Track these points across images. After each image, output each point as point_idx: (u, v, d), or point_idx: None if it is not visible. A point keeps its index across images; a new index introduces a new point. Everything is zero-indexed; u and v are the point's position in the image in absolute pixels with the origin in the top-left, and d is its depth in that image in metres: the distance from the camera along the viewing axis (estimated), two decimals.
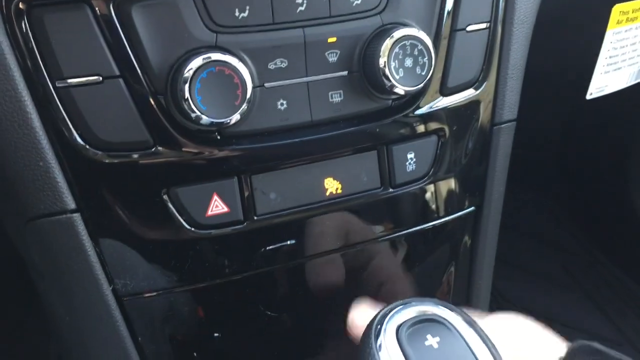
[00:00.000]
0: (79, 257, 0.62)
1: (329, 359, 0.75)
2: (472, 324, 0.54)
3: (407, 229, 0.75)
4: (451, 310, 0.55)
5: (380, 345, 0.52)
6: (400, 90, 0.65)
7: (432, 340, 0.52)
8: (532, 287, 1.70)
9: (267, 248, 0.69)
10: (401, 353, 0.50)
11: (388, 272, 0.75)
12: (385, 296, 0.75)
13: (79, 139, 0.59)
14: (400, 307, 0.55)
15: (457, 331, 0.53)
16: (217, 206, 0.65)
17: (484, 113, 0.76)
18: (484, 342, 0.52)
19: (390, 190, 0.72)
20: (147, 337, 0.67)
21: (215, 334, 0.69)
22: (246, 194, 0.66)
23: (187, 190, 0.63)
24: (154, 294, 0.65)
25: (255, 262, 0.68)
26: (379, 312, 0.55)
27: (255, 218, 0.67)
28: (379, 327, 0.53)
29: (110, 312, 0.64)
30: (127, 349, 0.65)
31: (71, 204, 0.60)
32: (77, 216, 0.61)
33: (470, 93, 0.74)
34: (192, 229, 0.64)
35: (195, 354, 0.70)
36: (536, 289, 1.70)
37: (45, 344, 1.16)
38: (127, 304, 0.65)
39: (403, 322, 0.53)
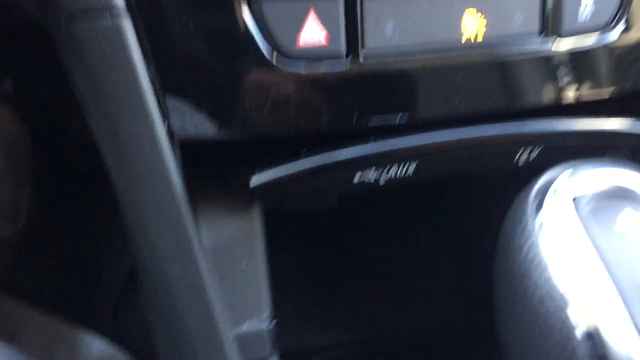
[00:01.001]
0: (126, 76, 0.46)
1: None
2: None
3: (567, 102, 0.55)
4: None
5: (542, 224, 0.34)
6: None
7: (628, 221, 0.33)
8: None
9: (371, 103, 0.51)
10: (587, 236, 0.32)
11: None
12: None
13: None
14: (570, 171, 0.35)
15: None
16: (312, 30, 0.47)
17: None
18: None
19: (554, 38, 0.51)
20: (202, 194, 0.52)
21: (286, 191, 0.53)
22: (353, 18, 0.48)
23: (274, 3, 0.46)
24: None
25: (352, 117, 0.51)
26: (536, 179, 0.36)
27: (362, 54, 0.48)
28: (539, 198, 0.35)
29: (161, 157, 0.48)
30: (178, 205, 0.50)
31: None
32: (125, 20, 0.45)
33: None
34: (277, 60, 0.47)
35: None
36: None
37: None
38: (183, 151, 0.49)
39: (579, 196, 0.34)
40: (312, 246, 0.84)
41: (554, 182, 0.35)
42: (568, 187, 0.35)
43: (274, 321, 0.57)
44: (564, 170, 0.36)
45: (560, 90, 0.54)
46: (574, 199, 0.34)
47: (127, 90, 0.47)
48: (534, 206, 0.34)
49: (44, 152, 1.04)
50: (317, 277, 0.82)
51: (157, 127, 0.48)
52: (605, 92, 0.55)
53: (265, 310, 0.56)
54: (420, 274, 0.84)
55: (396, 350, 0.74)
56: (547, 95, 0.54)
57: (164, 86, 0.47)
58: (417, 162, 0.51)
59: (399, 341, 0.76)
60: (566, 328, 0.30)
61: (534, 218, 0.34)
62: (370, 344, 0.75)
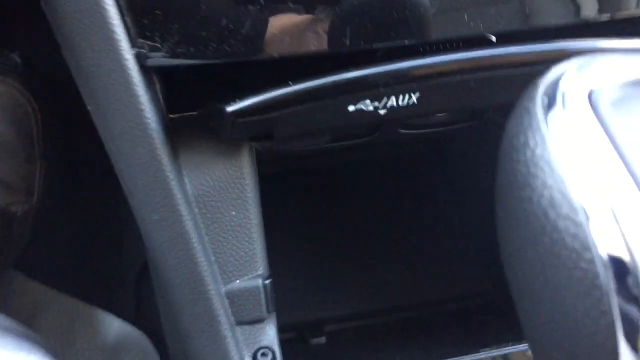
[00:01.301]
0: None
1: None
2: None
3: (600, 20, 0.47)
4: None
5: (554, 120, 0.27)
6: None
7: None
8: None
9: (369, 21, 0.44)
10: (607, 133, 0.25)
11: None
12: None
13: None
14: (586, 60, 0.28)
15: None
16: None
17: None
18: None
19: None
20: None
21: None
22: None
23: None
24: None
25: (345, 38, 0.44)
26: (546, 72, 0.29)
27: None
28: (550, 91, 0.28)
29: (130, 87, 0.43)
30: (153, 142, 0.44)
31: None
32: None
33: None
34: None
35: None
36: None
37: None
38: (156, 78, 0.44)
39: (597, 89, 0.28)
40: (322, 211, 0.78)
41: (567, 73, 0.28)
42: (584, 78, 0.28)
43: (269, 280, 0.51)
44: (579, 60, 0.29)
45: (589, 5, 0.47)
46: (591, 92, 0.27)
47: (89, 13, 0.42)
48: (544, 100, 0.28)
49: (62, 129, 1.01)
50: (330, 244, 0.76)
51: (123, 51, 0.43)
52: None
53: (260, 266, 0.51)
54: (437, 240, 0.77)
55: (411, 321, 0.68)
56: (574, 11, 0.47)
57: (130, 5, 0.42)
58: (421, 88, 0.45)
59: (413, 311, 0.70)
60: (581, 239, 0.23)
61: (544, 113, 0.27)
62: (384, 314, 0.69)
